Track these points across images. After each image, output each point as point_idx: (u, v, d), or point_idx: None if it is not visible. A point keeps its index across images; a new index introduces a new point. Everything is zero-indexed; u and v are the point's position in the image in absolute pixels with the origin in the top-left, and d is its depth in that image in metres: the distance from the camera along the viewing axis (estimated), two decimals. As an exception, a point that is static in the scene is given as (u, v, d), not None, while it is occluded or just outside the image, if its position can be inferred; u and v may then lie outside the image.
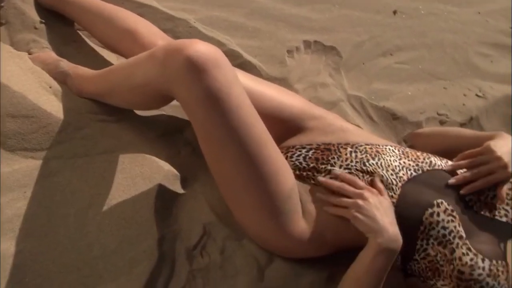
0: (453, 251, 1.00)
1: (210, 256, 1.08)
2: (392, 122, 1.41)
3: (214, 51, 0.89)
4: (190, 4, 1.47)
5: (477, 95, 1.49)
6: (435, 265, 1.02)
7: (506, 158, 1.05)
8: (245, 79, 1.16)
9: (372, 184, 1.05)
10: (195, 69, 0.86)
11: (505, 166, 1.04)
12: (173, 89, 0.92)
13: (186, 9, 1.46)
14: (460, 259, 0.99)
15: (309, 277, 1.14)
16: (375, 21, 1.61)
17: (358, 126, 1.34)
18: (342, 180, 1.05)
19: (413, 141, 1.36)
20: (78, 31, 1.32)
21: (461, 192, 1.04)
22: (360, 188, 1.02)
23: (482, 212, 1.04)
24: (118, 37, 1.17)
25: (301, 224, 1.04)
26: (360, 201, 1.00)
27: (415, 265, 1.05)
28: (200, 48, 0.87)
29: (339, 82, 1.45)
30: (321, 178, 1.06)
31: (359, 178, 1.06)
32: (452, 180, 1.05)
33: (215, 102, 0.89)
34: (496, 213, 1.04)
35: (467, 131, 1.28)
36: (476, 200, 1.04)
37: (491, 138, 1.14)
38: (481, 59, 1.60)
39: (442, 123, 1.42)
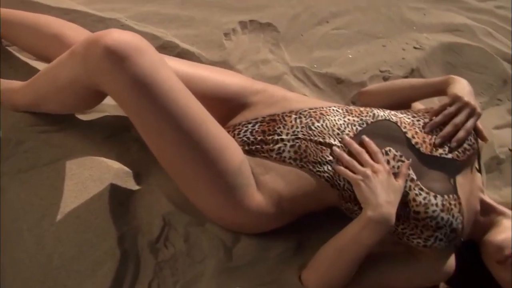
0: (406, 194, 1.03)
1: (175, 246, 1.08)
2: (337, 86, 1.43)
3: (132, 37, 0.88)
4: (119, 3, 1.46)
5: (415, 47, 1.53)
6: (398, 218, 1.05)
7: (472, 100, 1.11)
8: (181, 64, 1.15)
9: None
10: (116, 58, 0.85)
11: (474, 107, 1.11)
12: (99, 82, 0.91)
13: (115, 8, 1.44)
14: (414, 200, 1.02)
15: (278, 249, 1.15)
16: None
17: (305, 95, 1.36)
18: (367, 147, 1.04)
19: (361, 100, 1.38)
20: (6, 47, 1.29)
21: (451, 146, 1.07)
22: (378, 161, 1.02)
23: (429, 153, 1.07)
24: (45, 43, 1.14)
25: (257, 197, 1.04)
26: (369, 172, 1.00)
27: None
28: (116, 36, 0.86)
29: (280, 56, 1.46)
30: (346, 138, 1.04)
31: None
32: (438, 140, 1.06)
33: (143, 88, 0.88)
34: (442, 151, 1.08)
35: (413, 81, 1.30)
36: (422, 142, 1.07)
37: (443, 83, 1.17)
38: (415, 13, 1.64)
39: (385, 79, 1.45)
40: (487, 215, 1.14)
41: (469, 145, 1.10)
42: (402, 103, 1.26)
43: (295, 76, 1.43)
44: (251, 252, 1.13)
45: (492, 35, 1.64)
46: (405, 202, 1.03)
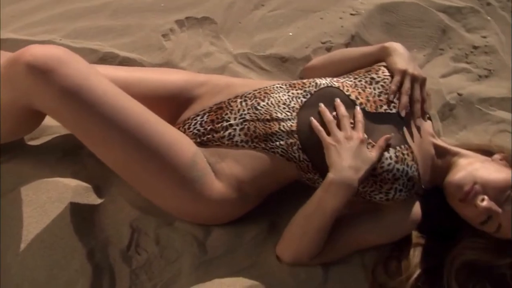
0: (359, 154, 1.06)
1: (147, 250, 1.07)
2: (283, 65, 1.45)
3: (53, 50, 0.88)
4: (51, 24, 1.44)
5: (351, 14, 1.56)
6: None
7: (416, 70, 1.15)
8: (118, 71, 1.16)
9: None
10: (38, 72, 0.84)
11: (420, 75, 1.15)
12: (31, 101, 0.89)
13: (48, 30, 1.42)
14: (366, 157, 1.05)
15: (251, 233, 1.16)
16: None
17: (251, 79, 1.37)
18: (356, 117, 1.05)
19: (307, 77, 1.39)
20: None
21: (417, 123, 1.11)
22: (358, 130, 1.03)
23: (375, 110, 1.09)
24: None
25: (217, 185, 1.05)
26: (342, 137, 1.02)
27: None
28: (36, 51, 0.85)
29: (222, 47, 1.47)
30: (322, 106, 1.06)
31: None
32: (403, 115, 1.09)
33: (73, 98, 0.87)
34: (386, 107, 1.10)
35: (352, 53, 1.30)
36: (366, 101, 1.09)
37: (380, 53, 1.19)
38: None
39: (328, 49, 1.47)
40: (443, 158, 1.17)
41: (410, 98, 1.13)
42: (346, 73, 1.25)
43: (239, 63, 1.44)
44: (225, 241, 1.13)
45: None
46: None
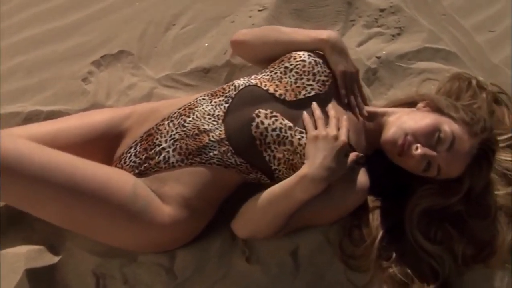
0: (291, 142, 1.08)
1: (117, 292, 1.08)
2: (207, 76, 1.47)
3: None
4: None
5: (259, 10, 1.59)
6: (290, 163, 1.10)
7: (350, 65, 1.20)
8: (40, 127, 1.16)
9: None
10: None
11: (354, 69, 1.21)
12: None
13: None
14: (299, 144, 1.08)
15: (215, 244, 1.17)
16: (143, 7, 1.65)
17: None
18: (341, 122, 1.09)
19: (236, 51, 1.36)
20: None
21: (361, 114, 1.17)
22: (342, 134, 1.06)
23: (295, 98, 1.13)
24: None
25: (166, 209, 1.06)
26: (324, 134, 1.05)
27: (279, 173, 1.13)
28: None
29: (144, 75, 1.48)
30: (314, 104, 1.10)
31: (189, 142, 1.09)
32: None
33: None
34: (304, 92, 1.13)
35: (288, 38, 1.26)
36: (284, 91, 1.13)
37: (319, 46, 1.19)
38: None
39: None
40: (374, 121, 1.22)
41: (325, 76, 1.17)
42: (275, 57, 1.25)
43: (164, 86, 1.45)
44: (192, 260, 1.14)
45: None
46: (295, 152, 1.09)
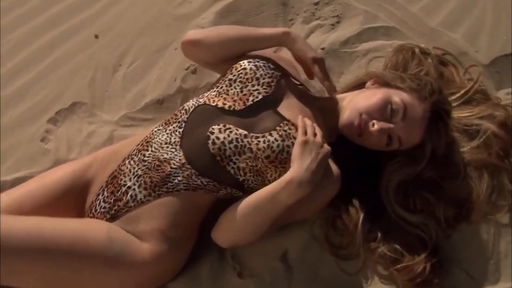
0: (250, 150, 1.10)
1: None
2: (162, 106, 1.48)
3: None
4: None
5: (202, 27, 1.63)
6: (255, 169, 1.12)
7: (314, 55, 1.20)
8: (7, 195, 1.15)
9: None
10: None
11: (321, 55, 1.24)
12: None
13: None
14: (258, 149, 1.09)
15: (205, 268, 1.18)
16: (87, 55, 1.66)
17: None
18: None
19: (191, 52, 1.31)
20: None
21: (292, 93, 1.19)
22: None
23: (244, 106, 1.15)
24: None
25: (145, 246, 1.06)
26: (312, 140, 1.06)
27: (248, 183, 1.14)
28: None
29: (101, 120, 1.49)
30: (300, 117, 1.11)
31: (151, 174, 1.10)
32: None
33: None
34: (252, 98, 1.15)
35: (250, 32, 1.26)
36: (233, 102, 1.15)
37: (282, 38, 1.21)
38: (182, 7, 1.73)
39: (193, 72, 1.53)
40: (330, 109, 1.24)
41: (269, 77, 1.19)
42: (237, 53, 1.25)
43: (123, 126, 1.46)
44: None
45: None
46: (256, 157, 1.10)
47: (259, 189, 1.12)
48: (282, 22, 1.68)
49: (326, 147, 1.09)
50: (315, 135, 1.10)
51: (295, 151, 1.07)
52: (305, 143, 1.06)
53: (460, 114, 1.32)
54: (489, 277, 1.16)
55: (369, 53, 1.54)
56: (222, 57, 1.26)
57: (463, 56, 1.50)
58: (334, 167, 1.16)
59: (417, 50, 1.44)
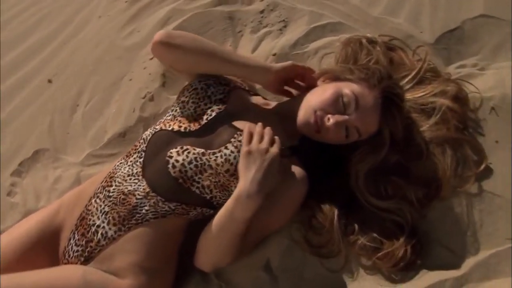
0: (210, 166, 1.10)
1: None
2: (125, 139, 1.47)
3: None
4: None
5: (150, 58, 1.62)
6: (220, 184, 1.12)
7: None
8: None
9: None
10: None
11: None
12: None
13: None
14: (217, 165, 1.10)
15: None
16: (42, 102, 1.65)
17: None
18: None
19: (161, 54, 1.25)
20: None
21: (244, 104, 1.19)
22: (275, 146, 1.07)
23: (199, 125, 1.15)
24: None
25: (124, 283, 1.05)
26: (255, 148, 1.05)
27: (216, 199, 1.14)
28: None
29: (66, 163, 1.48)
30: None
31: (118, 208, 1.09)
32: None
33: None
34: (206, 116, 1.16)
35: (233, 57, 1.23)
36: (188, 124, 1.16)
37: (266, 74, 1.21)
38: (131, 36, 1.74)
39: (151, 99, 1.53)
40: (286, 112, 1.25)
41: (221, 93, 1.19)
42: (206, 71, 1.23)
43: (89, 165, 1.45)
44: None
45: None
46: (218, 173, 1.10)
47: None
48: (231, 36, 1.69)
49: (272, 151, 1.07)
50: (265, 140, 1.08)
51: (240, 163, 1.06)
52: (249, 153, 1.06)
53: (415, 94, 1.35)
54: (469, 249, 1.17)
55: (319, 51, 1.56)
56: (193, 72, 1.25)
57: (409, 39, 1.54)
58: (298, 169, 1.17)
59: (364, 40, 1.47)
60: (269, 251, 1.19)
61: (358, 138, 1.17)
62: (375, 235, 1.16)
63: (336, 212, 1.18)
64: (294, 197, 1.15)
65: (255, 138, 1.08)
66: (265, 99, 1.34)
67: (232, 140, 1.11)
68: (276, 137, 1.10)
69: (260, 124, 1.12)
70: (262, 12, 1.72)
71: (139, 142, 1.18)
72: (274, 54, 1.59)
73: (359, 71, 1.20)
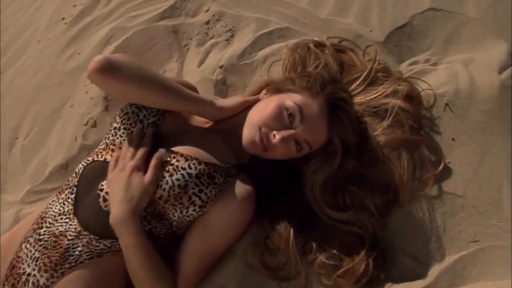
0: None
1: None
2: (67, 171, 1.37)
3: None
4: None
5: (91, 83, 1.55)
6: (155, 214, 1.03)
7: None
8: None
9: None
10: None
11: None
12: None
13: None
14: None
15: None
16: None
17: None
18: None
19: (102, 83, 1.09)
20: None
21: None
22: (134, 159, 1.00)
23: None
24: None
25: None
26: (116, 171, 1.00)
27: (156, 230, 1.05)
28: None
29: (5, 203, 1.36)
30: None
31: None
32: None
33: None
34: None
35: (169, 93, 1.08)
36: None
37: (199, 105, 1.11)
38: (72, 59, 1.66)
39: (93, 125, 1.43)
40: (230, 130, 1.17)
41: (154, 116, 1.11)
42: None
43: (29, 203, 1.33)
44: None
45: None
46: (151, 202, 1.01)
47: (173, 232, 1.05)
48: (177, 50, 1.61)
49: (128, 165, 1.00)
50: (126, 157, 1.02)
51: (109, 191, 1.00)
52: (114, 178, 1.00)
53: (367, 97, 1.29)
54: (434, 255, 1.11)
55: (268, 59, 1.48)
56: (135, 102, 1.14)
57: (359, 38, 1.48)
58: (243, 187, 1.08)
59: (311, 44, 1.40)
60: (224, 278, 1.11)
61: (309, 150, 1.10)
62: (334, 251, 1.09)
63: (291, 231, 1.10)
64: (236, 217, 1.06)
65: (119, 162, 1.02)
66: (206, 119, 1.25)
67: (165, 164, 1.02)
68: (140, 151, 1.03)
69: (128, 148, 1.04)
70: (207, 23, 1.65)
71: (72, 177, 1.09)
72: (221, 66, 1.51)
73: (300, 79, 1.13)
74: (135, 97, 1.08)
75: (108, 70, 1.01)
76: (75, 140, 1.42)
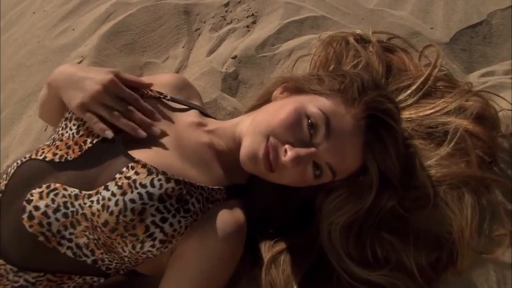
0: (84, 216, 0.71)
1: None
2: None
3: None
4: None
5: (79, 62, 1.26)
6: (101, 244, 0.73)
7: (100, 84, 0.81)
8: None
9: None
10: None
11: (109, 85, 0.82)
12: None
13: None
14: (93, 214, 0.70)
15: None
16: None
17: None
18: None
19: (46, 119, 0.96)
20: None
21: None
22: None
23: (80, 152, 0.76)
24: None
25: None
26: None
27: (104, 263, 0.75)
28: None
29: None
30: None
31: None
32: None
33: None
34: (90, 139, 0.76)
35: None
36: (64, 152, 0.77)
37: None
38: (63, 35, 1.38)
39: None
40: (227, 139, 0.86)
41: None
42: None
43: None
44: None
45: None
46: (94, 228, 0.71)
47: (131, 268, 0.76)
48: (185, 35, 1.33)
49: None
50: None
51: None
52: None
53: (420, 112, 0.94)
54: None
55: (294, 52, 1.17)
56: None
57: (415, 37, 1.15)
58: (228, 218, 0.76)
59: (351, 38, 1.07)
60: None
61: (332, 178, 0.77)
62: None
63: (298, 279, 0.79)
64: (215, 259, 0.74)
65: None
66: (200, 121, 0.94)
67: (118, 176, 0.72)
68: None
69: None
70: (227, 5, 1.36)
71: (2, 178, 0.81)
72: (235, 57, 1.21)
73: (331, 79, 0.80)
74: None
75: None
76: (45, 130, 1.17)
